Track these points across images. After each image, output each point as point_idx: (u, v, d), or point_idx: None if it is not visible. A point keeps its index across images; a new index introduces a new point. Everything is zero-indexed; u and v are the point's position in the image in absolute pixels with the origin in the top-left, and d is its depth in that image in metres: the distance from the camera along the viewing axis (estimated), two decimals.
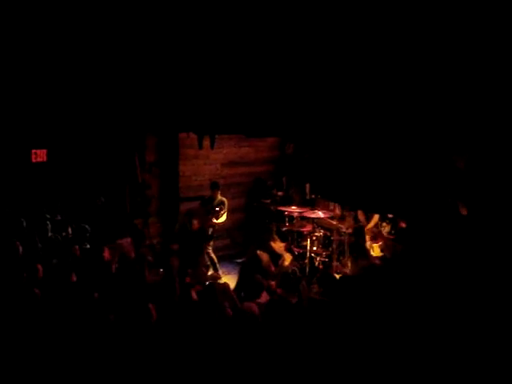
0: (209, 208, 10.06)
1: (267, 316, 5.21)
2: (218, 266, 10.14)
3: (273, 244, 8.99)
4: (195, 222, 9.83)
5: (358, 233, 9.35)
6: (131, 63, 7.43)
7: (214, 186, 10.26)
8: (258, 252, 8.79)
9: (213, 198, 10.17)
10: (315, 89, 6.33)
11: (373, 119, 6.00)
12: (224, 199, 10.26)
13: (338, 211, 9.82)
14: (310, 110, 6.50)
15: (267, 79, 6.61)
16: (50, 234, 8.76)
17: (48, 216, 9.31)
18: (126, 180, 10.10)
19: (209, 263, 10.29)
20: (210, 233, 10.03)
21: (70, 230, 8.95)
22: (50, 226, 9.03)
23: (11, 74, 7.21)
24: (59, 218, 9.54)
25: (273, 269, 8.78)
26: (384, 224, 9.07)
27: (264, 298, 6.64)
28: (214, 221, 10.01)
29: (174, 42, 6.97)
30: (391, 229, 8.97)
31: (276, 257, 9.01)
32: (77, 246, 7.66)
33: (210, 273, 9.71)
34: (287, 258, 9.09)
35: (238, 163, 11.75)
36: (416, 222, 7.02)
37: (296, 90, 6.48)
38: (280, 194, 11.25)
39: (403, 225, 8.66)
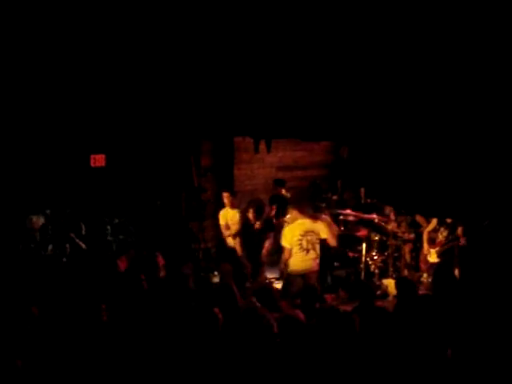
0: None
1: (316, 325, 5.05)
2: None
3: None
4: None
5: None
6: (188, 69, 7.53)
7: (278, 183, 10.06)
8: None
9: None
10: (370, 92, 6.26)
11: (431, 121, 5.89)
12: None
13: (392, 215, 9.63)
14: (365, 113, 6.44)
15: (322, 84, 6.58)
16: (108, 238, 9.02)
17: (106, 219, 9.57)
18: (182, 184, 10.24)
19: None
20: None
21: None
22: (109, 229, 9.29)
23: (70, 84, 7.44)
24: (117, 221, 9.79)
25: None
26: (442, 229, 8.85)
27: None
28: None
29: (228, 48, 7.04)
30: (449, 234, 8.75)
31: None
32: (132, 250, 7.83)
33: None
34: None
35: (292, 167, 11.68)
36: (475, 227, 6.85)
37: (351, 93, 6.43)
38: (334, 197, 11.14)
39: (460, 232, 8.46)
